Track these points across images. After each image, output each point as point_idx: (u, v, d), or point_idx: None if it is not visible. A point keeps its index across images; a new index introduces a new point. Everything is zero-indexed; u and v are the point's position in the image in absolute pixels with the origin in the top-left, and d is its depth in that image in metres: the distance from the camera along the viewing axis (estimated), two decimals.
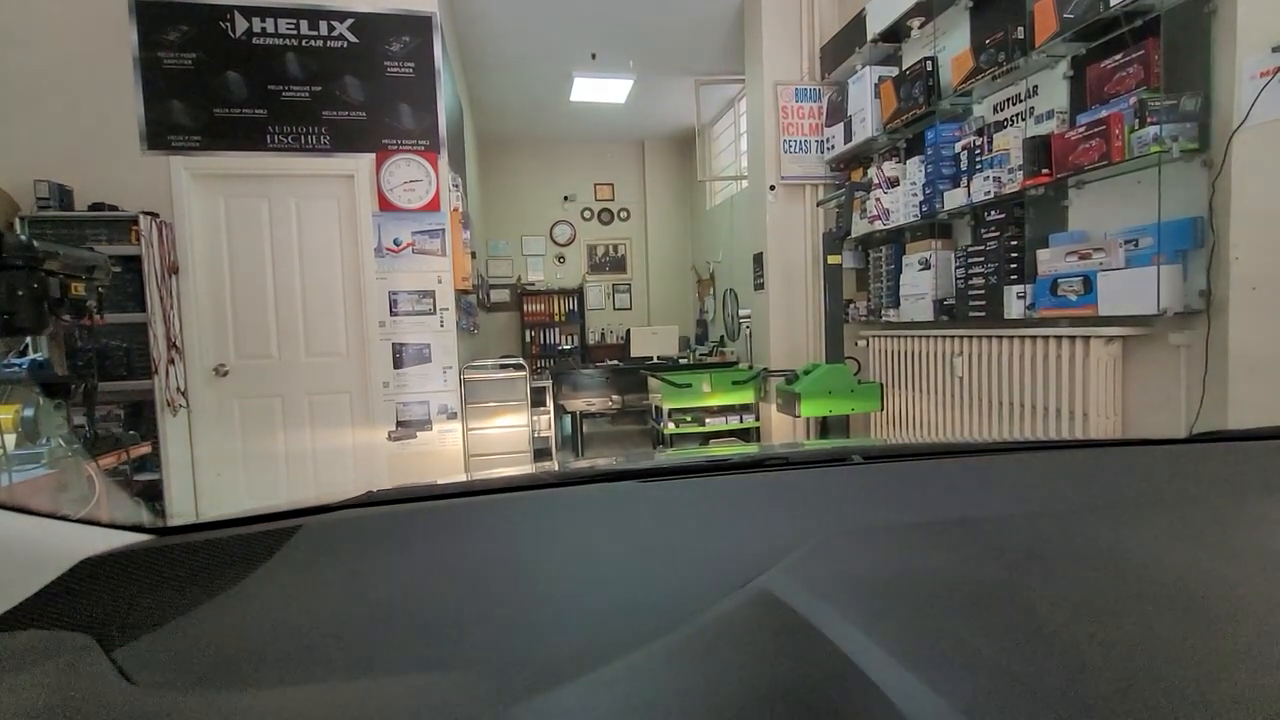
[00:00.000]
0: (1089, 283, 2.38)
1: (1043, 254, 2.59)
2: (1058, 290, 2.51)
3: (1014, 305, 2.70)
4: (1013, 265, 2.74)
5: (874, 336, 3.86)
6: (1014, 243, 2.74)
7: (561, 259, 7.81)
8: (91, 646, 0.38)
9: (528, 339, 7.46)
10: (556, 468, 1.22)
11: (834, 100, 4.08)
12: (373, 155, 3.38)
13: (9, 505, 0.46)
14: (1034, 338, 2.65)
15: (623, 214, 7.90)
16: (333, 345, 3.46)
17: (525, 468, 1.38)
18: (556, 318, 7.52)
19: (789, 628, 0.35)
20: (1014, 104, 2.88)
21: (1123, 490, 0.64)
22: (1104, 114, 2.29)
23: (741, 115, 6.29)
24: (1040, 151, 2.53)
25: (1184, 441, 0.80)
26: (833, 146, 4.10)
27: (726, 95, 6.43)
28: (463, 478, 0.79)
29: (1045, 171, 2.51)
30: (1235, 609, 0.35)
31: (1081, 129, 2.34)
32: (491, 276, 7.54)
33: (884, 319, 3.72)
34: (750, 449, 1.53)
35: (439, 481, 0.77)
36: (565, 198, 7.77)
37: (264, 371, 3.39)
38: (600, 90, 6.03)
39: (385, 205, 3.39)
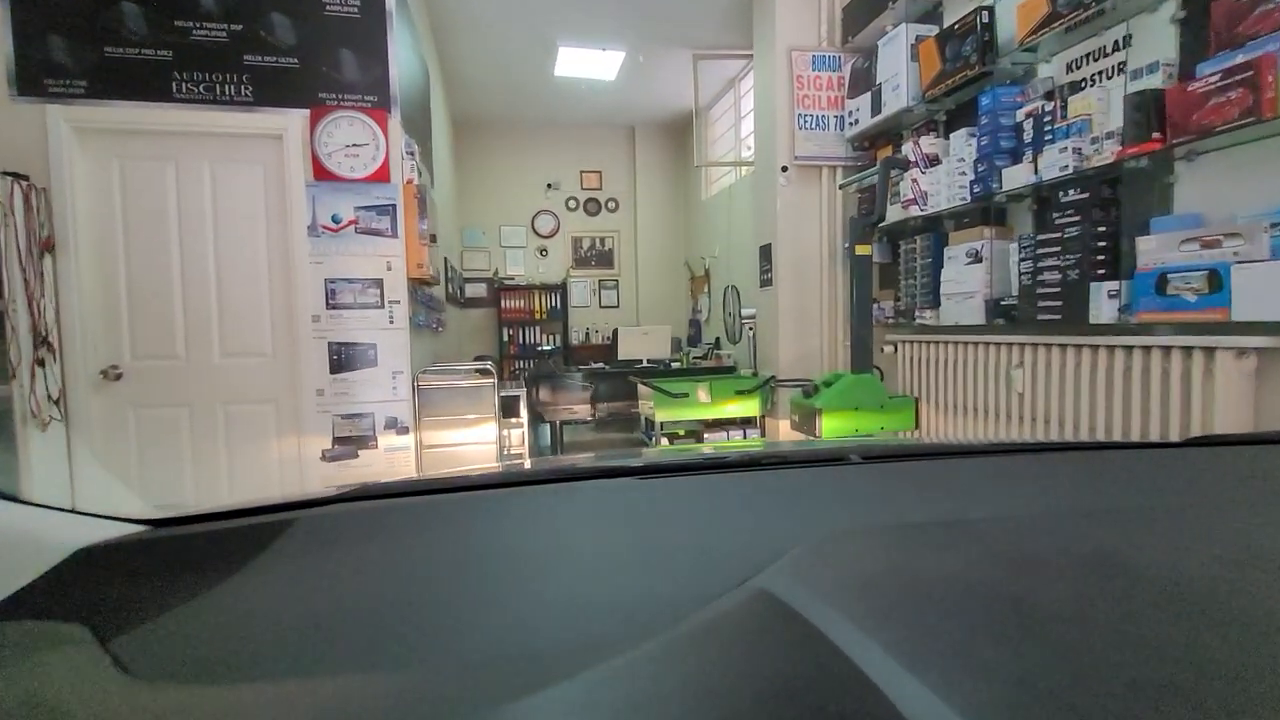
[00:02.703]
0: (1217, 279, 1.84)
1: (1145, 242, 2.05)
2: (1167, 288, 1.97)
3: (1103, 306, 2.15)
4: (1100, 257, 2.20)
5: (903, 342, 3.32)
6: (1101, 229, 2.20)
7: (544, 252, 7.21)
8: (86, 638, 0.38)
9: (505, 338, 6.85)
10: (550, 465, 1.11)
11: (859, 68, 3.52)
12: (306, 112, 2.76)
13: (2, 494, 0.45)
14: (1129, 348, 2.11)
15: (611, 204, 7.32)
16: (255, 344, 2.83)
17: (523, 463, 1.16)
18: (537, 315, 6.92)
19: (787, 627, 0.34)
20: (1096, 59, 2.34)
21: (1122, 493, 0.63)
22: (1243, 59, 1.75)
23: (743, 96, 5.74)
24: (1148, 111, 1.98)
25: (1181, 445, 0.81)
26: (856, 121, 3.55)
27: (725, 75, 5.87)
28: (459, 472, 0.79)
29: (1156, 136, 1.97)
30: (1234, 611, 0.33)
31: (1213, 78, 1.80)
32: (466, 269, 6.93)
33: (917, 321, 3.18)
34: (748, 447, 1.42)
35: (436, 475, 0.81)
36: (549, 185, 7.18)
37: (168, 375, 2.75)
38: (588, 64, 5.44)
39: (321, 173, 2.78)
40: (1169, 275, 1.97)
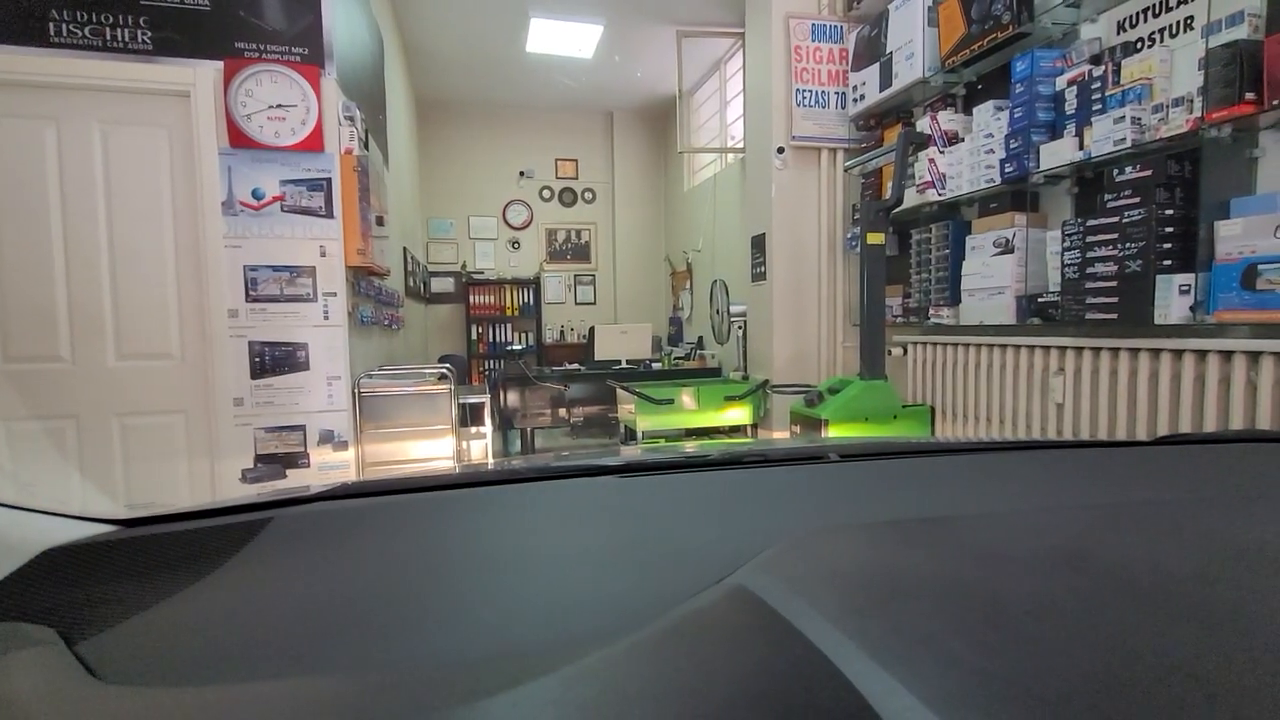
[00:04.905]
0: None
1: (1228, 227, 1.72)
2: (1256, 283, 1.64)
3: (1173, 303, 1.82)
4: (1167, 245, 1.87)
5: (914, 344, 2.98)
6: (1168, 212, 1.87)
7: (516, 244, 6.76)
8: (53, 639, 0.37)
9: (474, 336, 6.39)
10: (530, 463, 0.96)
11: (865, 37, 3.17)
12: (219, 64, 2.30)
13: None
14: (1204, 352, 1.78)
15: (587, 195, 6.90)
16: (158, 344, 2.37)
17: (502, 461, 1.08)
18: (509, 312, 6.48)
19: (763, 623, 0.34)
20: (1155, 15, 2.01)
21: (1091, 490, 0.63)
22: None
23: (730, 78, 5.37)
24: (1240, 67, 1.65)
25: (1149, 444, 0.81)
26: (861, 97, 3.20)
27: (710, 57, 5.49)
28: (438, 471, 0.79)
29: (1249, 98, 1.63)
30: (1198, 606, 0.33)
31: None
32: (432, 262, 6.44)
33: (931, 320, 2.83)
34: (728, 445, 1.42)
35: (414, 474, 0.80)
36: (521, 174, 6.73)
37: (48, 381, 2.27)
38: (562, 39, 5.01)
39: (239, 139, 2.32)
40: (1259, 266, 1.63)
